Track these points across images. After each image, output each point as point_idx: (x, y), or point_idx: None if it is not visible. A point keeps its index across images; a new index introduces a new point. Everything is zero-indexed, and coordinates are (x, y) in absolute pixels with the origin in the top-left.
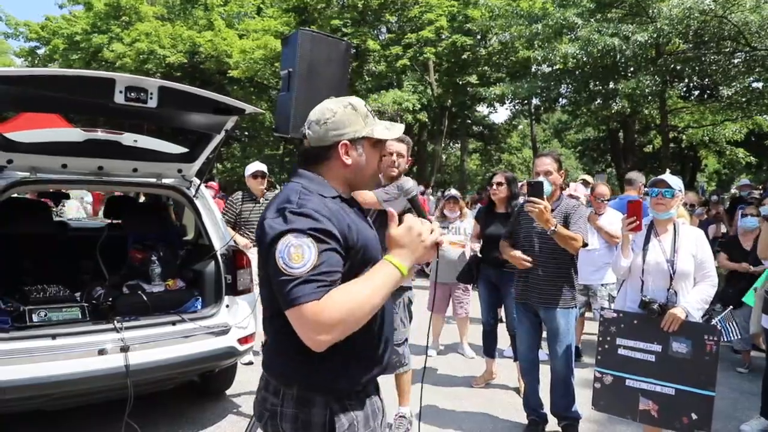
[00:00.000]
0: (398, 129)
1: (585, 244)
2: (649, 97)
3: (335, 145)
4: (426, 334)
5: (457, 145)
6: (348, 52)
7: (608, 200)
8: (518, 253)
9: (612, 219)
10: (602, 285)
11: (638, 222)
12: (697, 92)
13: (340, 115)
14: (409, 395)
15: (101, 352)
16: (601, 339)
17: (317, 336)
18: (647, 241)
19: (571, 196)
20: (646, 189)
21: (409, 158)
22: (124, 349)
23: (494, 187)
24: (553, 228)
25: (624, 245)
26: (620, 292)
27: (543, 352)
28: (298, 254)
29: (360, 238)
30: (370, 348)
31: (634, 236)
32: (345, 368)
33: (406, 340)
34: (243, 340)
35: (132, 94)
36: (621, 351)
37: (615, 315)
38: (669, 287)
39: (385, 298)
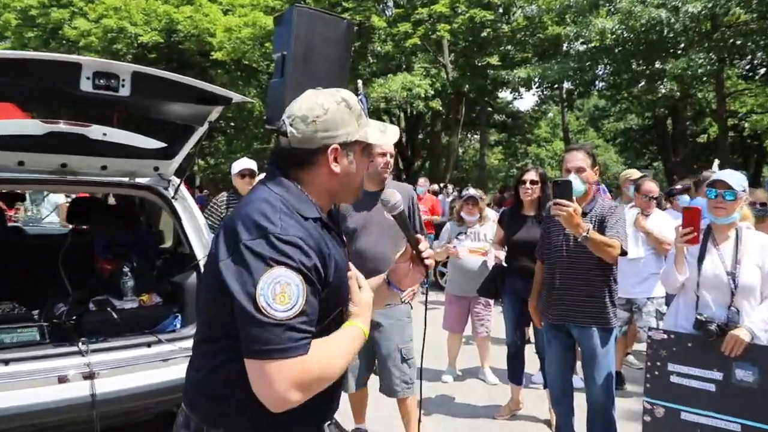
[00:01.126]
0: (393, 132)
1: (624, 252)
2: (703, 78)
3: (323, 149)
4: (446, 356)
5: (476, 136)
6: (350, 30)
7: (656, 199)
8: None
9: (662, 221)
10: (648, 299)
11: (696, 233)
12: (762, 71)
13: (333, 112)
14: (416, 428)
15: (63, 379)
16: (649, 364)
17: (289, 395)
18: (704, 249)
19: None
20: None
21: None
22: (90, 376)
23: (526, 185)
24: (584, 234)
25: (678, 258)
26: (671, 309)
27: (578, 378)
28: (285, 294)
29: (336, 274)
30: (328, 399)
31: (689, 247)
32: (300, 419)
33: (414, 357)
34: None
35: (101, 80)
36: (674, 378)
37: (665, 336)
38: (730, 304)
39: (349, 362)
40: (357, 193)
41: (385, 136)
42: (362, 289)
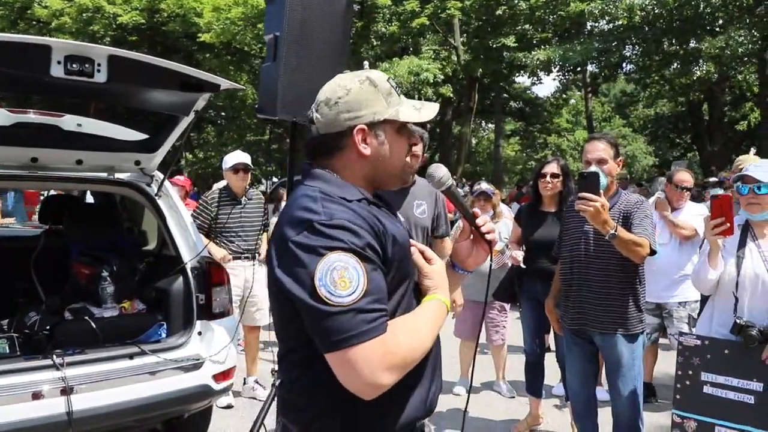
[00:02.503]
0: (431, 109)
1: (653, 252)
2: (744, 58)
3: (349, 131)
4: (459, 366)
5: (490, 126)
6: (349, 9)
7: (690, 190)
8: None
9: (692, 213)
10: (679, 303)
11: (728, 223)
12: None
13: (356, 92)
14: None
15: (36, 395)
16: (680, 373)
17: (379, 379)
18: (742, 245)
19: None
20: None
21: (424, 155)
22: (67, 392)
23: (547, 178)
24: (612, 231)
25: (712, 253)
26: (705, 313)
27: (603, 390)
28: (344, 279)
29: (396, 248)
30: (420, 384)
31: (723, 241)
32: (389, 409)
33: None
34: (220, 377)
35: (74, 65)
36: (707, 389)
37: (698, 343)
38: None
39: (432, 341)
40: (402, 177)
41: (420, 113)
42: (431, 261)
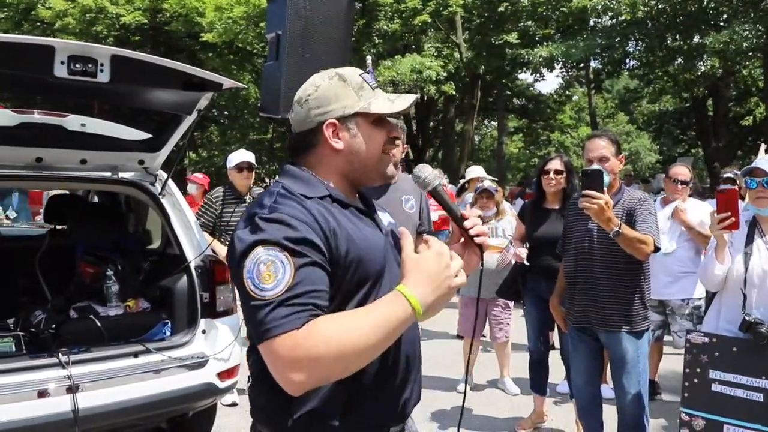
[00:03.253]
0: (405, 100)
1: (657, 249)
2: (749, 53)
3: (320, 127)
4: (462, 364)
5: (493, 123)
6: (351, 7)
7: (686, 184)
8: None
9: (698, 212)
10: (683, 300)
11: (734, 218)
12: None
13: (325, 88)
14: None
15: (42, 393)
16: (688, 371)
17: (290, 375)
18: (750, 242)
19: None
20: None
21: (405, 146)
22: (72, 390)
23: (550, 175)
24: (616, 229)
25: (719, 247)
26: (712, 310)
27: (608, 388)
28: (269, 272)
29: (352, 247)
30: (382, 389)
31: (730, 236)
32: (344, 413)
33: None
34: (224, 375)
35: (77, 65)
36: (716, 387)
37: (706, 340)
38: None
39: (388, 340)
40: (380, 172)
41: (394, 104)
42: (405, 246)
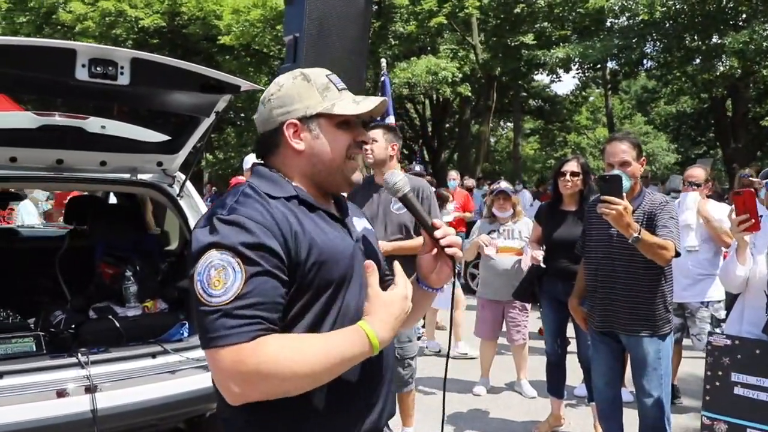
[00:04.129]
0: (369, 101)
1: (677, 254)
2: None
3: (281, 127)
4: (481, 366)
5: (509, 124)
6: (368, 9)
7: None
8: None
9: (716, 213)
10: (702, 303)
11: (753, 219)
12: None
13: (287, 88)
14: (413, 417)
15: (61, 393)
16: (709, 374)
17: (231, 386)
18: None
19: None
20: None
21: (393, 145)
22: (91, 390)
23: (566, 177)
24: (635, 234)
25: (740, 249)
26: (734, 312)
27: (627, 391)
28: (219, 278)
29: (314, 251)
30: (342, 410)
31: (752, 237)
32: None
33: (414, 356)
34: None
35: (98, 68)
36: (738, 390)
37: (728, 342)
38: None
39: (340, 370)
40: (344, 177)
41: (358, 106)
42: (371, 282)
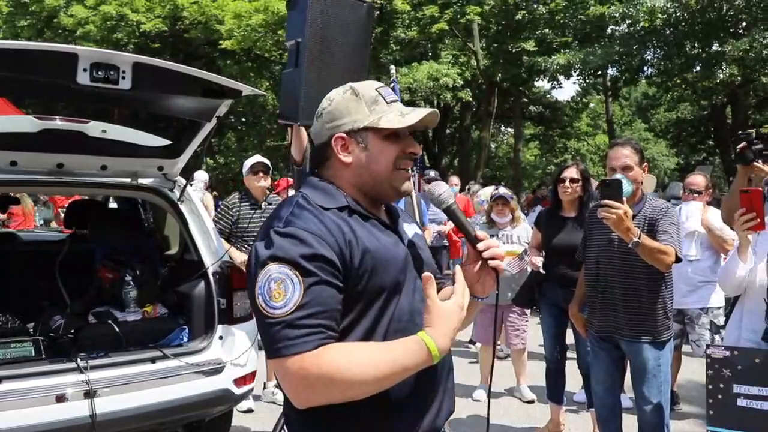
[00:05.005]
0: (415, 114)
1: (678, 259)
2: None
3: (330, 140)
4: (481, 372)
5: (509, 130)
6: (370, 15)
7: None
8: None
9: (716, 220)
10: (701, 309)
11: (759, 218)
12: None
13: (338, 102)
14: None
15: (60, 398)
16: (711, 387)
17: (297, 392)
18: None
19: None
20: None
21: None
22: (90, 395)
23: (566, 183)
24: (635, 239)
25: (742, 247)
26: (733, 320)
27: (627, 397)
28: (280, 291)
29: (368, 258)
30: (399, 416)
31: (754, 238)
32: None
33: None
34: (240, 381)
35: (99, 72)
36: (742, 402)
37: (727, 354)
38: None
39: (400, 378)
40: (393, 187)
41: (403, 119)
42: (429, 292)
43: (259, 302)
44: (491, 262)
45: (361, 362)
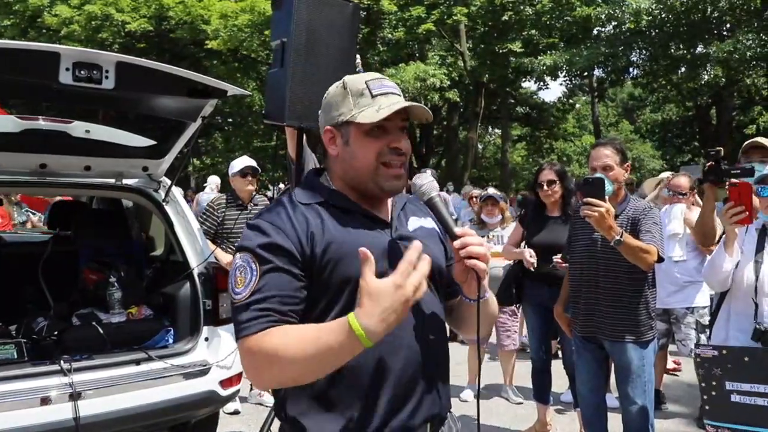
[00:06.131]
0: (389, 109)
1: (661, 259)
2: (752, 62)
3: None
4: (468, 371)
5: (496, 131)
6: (356, 15)
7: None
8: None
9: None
10: (687, 309)
11: (747, 212)
12: None
13: (331, 95)
14: None
15: (44, 401)
16: (704, 385)
17: (249, 372)
18: (760, 249)
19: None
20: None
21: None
22: (74, 397)
23: (544, 187)
24: (617, 237)
25: (728, 241)
26: (720, 319)
27: (612, 397)
28: (242, 277)
29: (333, 248)
30: (360, 398)
31: (741, 237)
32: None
33: None
34: (226, 383)
35: (82, 71)
36: (735, 398)
37: (716, 353)
38: None
39: (331, 362)
40: (377, 184)
41: (378, 113)
42: (365, 271)
43: (229, 288)
44: (468, 261)
45: (290, 341)
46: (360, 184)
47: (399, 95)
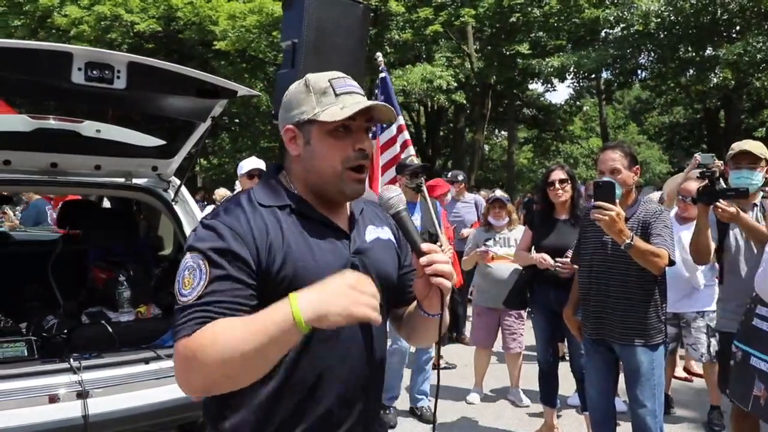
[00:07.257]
0: (354, 107)
1: (672, 262)
2: (762, 65)
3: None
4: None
5: (503, 133)
6: (366, 16)
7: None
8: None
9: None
10: (697, 313)
11: None
12: None
13: (292, 94)
14: None
15: (53, 399)
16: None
17: (179, 376)
18: None
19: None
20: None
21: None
22: (83, 395)
23: (556, 186)
24: (628, 241)
25: None
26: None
27: (621, 401)
28: (190, 279)
29: (288, 261)
30: (296, 408)
31: None
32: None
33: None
34: None
35: (94, 71)
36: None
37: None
38: None
39: (270, 346)
40: (338, 188)
41: (342, 112)
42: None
43: (176, 288)
44: (433, 279)
45: (225, 327)
46: (321, 187)
47: (362, 95)
